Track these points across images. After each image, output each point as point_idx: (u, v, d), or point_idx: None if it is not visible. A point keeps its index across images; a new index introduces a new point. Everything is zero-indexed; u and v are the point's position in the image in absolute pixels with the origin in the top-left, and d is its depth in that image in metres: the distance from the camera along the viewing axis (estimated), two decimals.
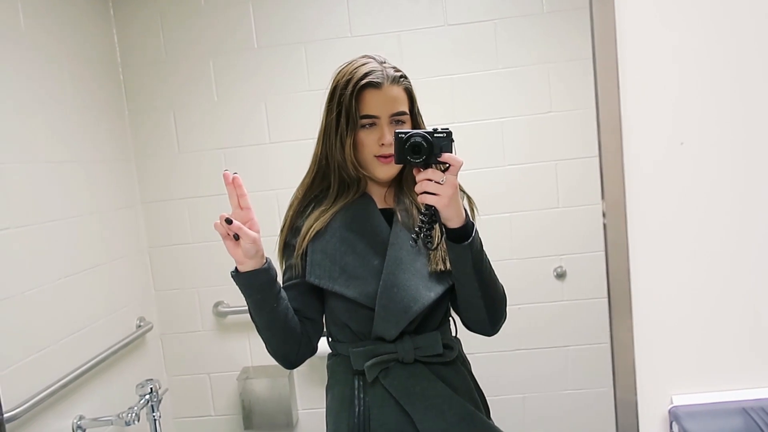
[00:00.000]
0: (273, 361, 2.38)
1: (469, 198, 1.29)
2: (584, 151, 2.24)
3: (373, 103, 1.18)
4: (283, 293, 1.19)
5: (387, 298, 1.18)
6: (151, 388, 1.94)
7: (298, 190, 1.31)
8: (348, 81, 1.18)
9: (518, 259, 2.32)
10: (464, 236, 1.11)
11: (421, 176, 1.06)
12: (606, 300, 1.01)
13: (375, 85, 1.18)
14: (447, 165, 1.05)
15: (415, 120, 1.25)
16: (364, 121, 1.19)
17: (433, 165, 1.07)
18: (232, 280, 1.15)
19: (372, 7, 2.28)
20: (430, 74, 2.28)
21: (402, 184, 1.29)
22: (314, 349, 1.28)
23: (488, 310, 1.19)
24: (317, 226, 1.23)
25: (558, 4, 2.23)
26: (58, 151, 1.89)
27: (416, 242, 1.11)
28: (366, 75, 1.18)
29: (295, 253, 1.25)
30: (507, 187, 2.30)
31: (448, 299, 1.27)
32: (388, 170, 1.22)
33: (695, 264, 0.92)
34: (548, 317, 2.34)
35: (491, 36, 2.26)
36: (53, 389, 1.69)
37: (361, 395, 1.22)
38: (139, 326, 2.27)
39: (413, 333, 1.21)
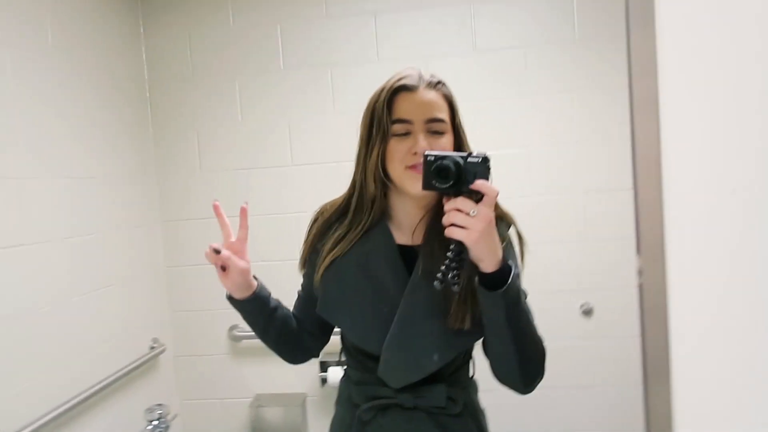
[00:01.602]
0: (286, 389, 2.32)
1: (520, 236, 1.15)
2: (611, 184, 2.17)
3: (405, 106, 1.07)
4: (279, 312, 1.20)
5: (391, 354, 1.10)
6: (160, 414, 1.88)
7: (327, 204, 1.23)
8: (382, 89, 1.10)
9: (543, 293, 2.23)
10: (499, 283, 0.94)
11: (449, 205, 0.93)
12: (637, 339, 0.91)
13: (408, 88, 1.08)
14: (480, 195, 0.92)
15: (458, 134, 1.12)
16: (397, 127, 1.07)
17: (465, 194, 0.94)
18: None
19: (400, 31, 2.25)
20: (457, 100, 2.23)
21: (439, 218, 1.13)
22: (314, 355, 1.29)
23: (522, 368, 1.03)
24: (336, 253, 1.15)
25: (591, 30, 2.18)
26: (79, 166, 1.88)
27: (442, 283, 0.95)
28: (400, 79, 1.09)
29: (311, 272, 1.21)
30: (532, 218, 2.23)
31: (466, 350, 1.17)
32: (419, 184, 1.07)
33: (747, 333, 0.83)
34: (573, 355, 2.24)
35: (520, 63, 2.21)
36: (60, 411, 1.65)
37: (359, 427, 1.17)
38: (153, 348, 2.23)
39: (417, 384, 1.12)
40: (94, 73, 2.00)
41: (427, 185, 0.96)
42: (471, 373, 1.21)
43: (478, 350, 1.15)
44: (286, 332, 1.21)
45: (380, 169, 1.09)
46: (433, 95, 1.09)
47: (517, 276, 0.97)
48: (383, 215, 1.16)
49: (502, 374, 1.06)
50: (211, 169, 2.33)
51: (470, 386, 1.21)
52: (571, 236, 2.22)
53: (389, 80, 1.10)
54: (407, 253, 1.13)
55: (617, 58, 2.16)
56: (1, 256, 1.52)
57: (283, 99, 2.30)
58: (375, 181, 1.11)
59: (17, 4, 1.64)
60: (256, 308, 1.16)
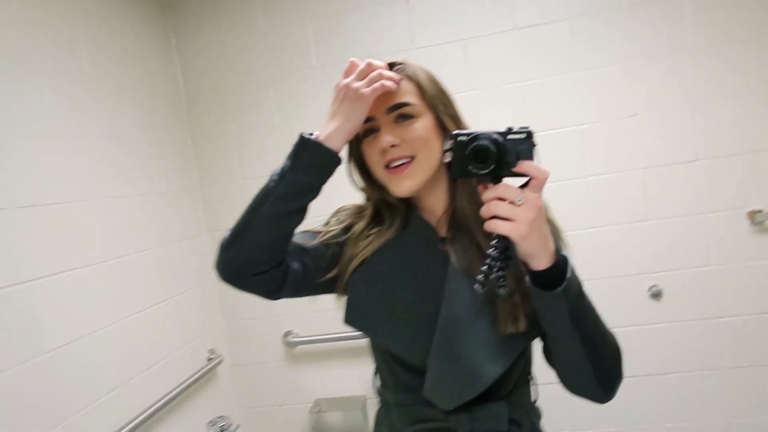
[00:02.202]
0: (346, 393, 2.23)
1: (553, 225, 0.98)
2: (673, 157, 2.03)
3: None
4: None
5: (440, 369, 0.94)
6: (222, 427, 1.87)
7: (349, 205, 1.13)
8: None
9: (605, 278, 2.11)
10: (555, 279, 0.80)
11: (489, 194, 0.77)
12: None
13: None
14: (527, 178, 0.77)
15: (438, 113, 0.96)
16: (363, 127, 0.96)
17: (506, 178, 0.79)
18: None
19: (435, 17, 2.16)
20: (501, 82, 2.12)
21: (457, 210, 0.99)
22: (273, 291, 0.96)
23: (597, 373, 0.87)
24: (366, 253, 1.00)
25: None
26: (123, 185, 1.88)
27: (484, 287, 0.80)
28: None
29: (328, 252, 1.03)
30: (589, 200, 2.11)
31: (526, 357, 1.02)
32: (400, 183, 0.94)
33: None
34: (643, 341, 2.11)
35: (565, 37, 2.08)
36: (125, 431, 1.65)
37: None
38: (210, 359, 2.23)
39: (472, 403, 0.95)
40: (130, 91, 1.99)
41: (460, 172, 0.80)
42: (534, 397, 1.05)
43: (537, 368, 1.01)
44: (288, 239, 0.94)
45: (369, 176, 1.02)
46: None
47: (574, 267, 0.83)
48: (411, 206, 1.04)
49: (575, 384, 0.91)
50: (253, 175, 2.30)
51: (533, 412, 1.05)
52: (633, 216, 2.09)
53: None
54: (436, 251, 1.01)
55: (665, 25, 2.00)
56: (59, 280, 1.52)
57: (317, 98, 2.24)
58: (377, 187, 1.02)
59: (51, 29, 1.64)
60: (329, 172, 0.91)
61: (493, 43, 2.12)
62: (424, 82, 0.97)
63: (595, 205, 2.10)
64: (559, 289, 0.79)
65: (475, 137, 0.78)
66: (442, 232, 1.01)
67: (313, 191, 0.91)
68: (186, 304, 2.14)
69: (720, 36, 1.98)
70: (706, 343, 2.07)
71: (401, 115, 0.94)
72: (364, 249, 1.01)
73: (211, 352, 2.25)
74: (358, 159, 1.03)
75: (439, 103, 0.96)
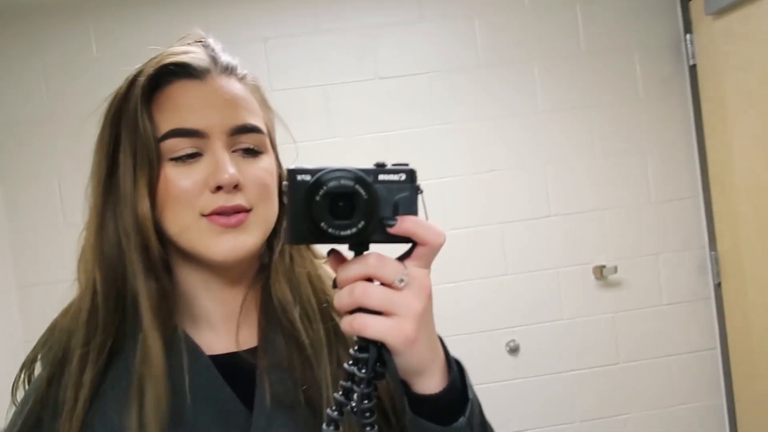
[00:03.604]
0: None
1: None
2: (529, 212, 2.08)
3: (187, 105, 0.61)
4: None
5: None
6: None
7: (54, 329, 0.66)
8: (135, 78, 0.62)
9: (466, 333, 2.07)
10: (449, 403, 0.52)
11: (351, 270, 0.48)
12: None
13: (191, 73, 0.62)
14: (411, 243, 0.49)
15: (275, 148, 0.69)
16: (174, 144, 0.60)
17: (375, 244, 0.50)
18: None
19: (294, 60, 2.04)
20: (363, 131, 2.05)
21: (271, 283, 0.66)
22: None
23: None
24: (78, 412, 0.59)
25: (494, 55, 2.09)
26: None
27: (339, 428, 0.49)
28: (171, 56, 0.63)
29: None
30: (449, 254, 2.07)
31: None
32: (234, 239, 0.61)
33: None
34: (501, 397, 2.09)
35: (425, 90, 2.07)
36: None
37: None
38: None
39: None
40: None
41: (301, 234, 0.48)
42: None
43: None
44: None
45: (153, 224, 0.60)
46: (238, 87, 0.65)
47: (472, 388, 0.56)
48: (164, 309, 0.62)
49: None
50: (76, 223, 1.96)
51: None
52: (494, 271, 2.09)
53: (150, 60, 0.63)
54: (229, 367, 0.64)
55: (520, 85, 2.08)
56: None
57: None
58: (138, 248, 0.60)
59: None
60: None
61: (355, 90, 2.05)
62: (272, 114, 0.70)
63: (454, 260, 2.06)
64: (462, 419, 0.52)
65: (328, 174, 0.47)
66: (247, 333, 0.66)
67: None
68: None
69: (567, 100, 2.09)
70: (560, 396, 2.09)
71: (246, 143, 0.63)
72: (74, 404, 0.59)
73: None
74: (150, 185, 0.61)
75: (274, 138, 0.69)
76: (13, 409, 0.64)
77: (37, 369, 0.66)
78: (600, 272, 2.07)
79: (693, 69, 2.07)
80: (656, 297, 2.11)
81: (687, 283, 2.12)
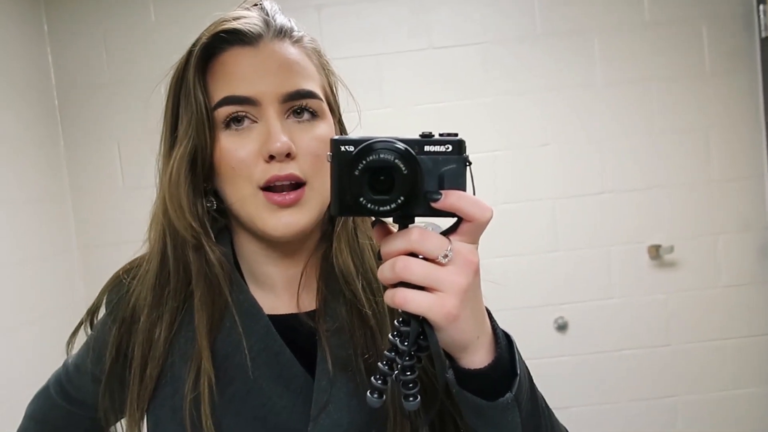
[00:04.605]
0: None
1: None
2: (581, 189, 2.04)
3: (239, 72, 0.60)
4: None
5: None
6: None
7: (125, 274, 0.71)
8: (193, 47, 0.63)
9: (512, 309, 2.05)
10: (496, 379, 0.51)
11: (395, 244, 0.47)
12: None
13: (243, 39, 0.61)
14: (457, 218, 0.48)
15: (341, 122, 0.69)
16: (226, 111, 0.60)
17: (421, 218, 0.49)
18: None
19: (347, 29, 2.02)
20: (414, 102, 2.03)
21: (333, 253, 0.66)
22: None
23: None
24: (156, 353, 0.64)
25: (553, 27, 2.02)
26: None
27: (382, 397, 0.50)
28: (224, 22, 0.62)
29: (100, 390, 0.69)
30: (498, 228, 2.05)
31: None
32: (290, 220, 0.60)
33: None
34: (548, 374, 2.08)
35: (478, 62, 2.03)
36: None
37: None
38: None
39: None
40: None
41: (344, 205, 0.47)
42: None
43: None
44: None
45: (204, 192, 0.63)
46: (292, 52, 0.63)
47: (524, 364, 0.54)
48: (226, 269, 0.65)
49: None
50: (134, 186, 2.02)
51: None
52: (543, 247, 2.06)
53: (206, 28, 0.63)
54: (289, 329, 0.65)
55: (575, 57, 2.01)
56: None
57: None
58: (197, 216, 0.63)
59: None
60: None
61: (407, 61, 2.03)
62: (333, 76, 0.68)
63: (504, 234, 2.04)
64: (509, 395, 0.50)
65: (369, 147, 0.45)
66: (306, 298, 0.67)
67: None
68: (49, 329, 1.81)
69: (627, 72, 2.02)
70: (607, 376, 2.06)
71: (302, 106, 0.61)
72: (151, 345, 0.64)
73: None
74: (205, 157, 0.62)
75: (337, 102, 0.68)
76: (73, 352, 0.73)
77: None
78: (656, 251, 2.02)
79: (765, 41, 1.96)
80: (713, 278, 2.04)
81: (746, 266, 2.04)
